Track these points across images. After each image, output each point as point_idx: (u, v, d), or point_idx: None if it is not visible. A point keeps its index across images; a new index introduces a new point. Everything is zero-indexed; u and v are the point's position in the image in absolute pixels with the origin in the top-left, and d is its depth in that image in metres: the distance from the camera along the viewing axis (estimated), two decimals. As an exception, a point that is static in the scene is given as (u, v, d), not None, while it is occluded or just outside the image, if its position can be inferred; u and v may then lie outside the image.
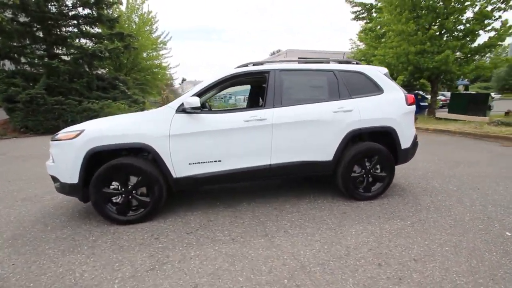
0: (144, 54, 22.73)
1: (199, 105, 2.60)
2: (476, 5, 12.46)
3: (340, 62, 3.32)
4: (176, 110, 2.71)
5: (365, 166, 3.14)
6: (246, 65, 3.05)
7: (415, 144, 3.37)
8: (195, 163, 2.74)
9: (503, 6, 11.99)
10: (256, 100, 4.34)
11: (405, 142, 3.22)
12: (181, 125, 2.67)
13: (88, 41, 15.10)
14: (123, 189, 2.67)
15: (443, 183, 3.84)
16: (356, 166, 3.12)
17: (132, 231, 2.56)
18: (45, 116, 11.63)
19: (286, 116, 2.86)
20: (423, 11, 13.02)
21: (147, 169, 2.62)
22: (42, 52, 13.27)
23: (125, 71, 22.37)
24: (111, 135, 2.58)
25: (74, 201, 3.35)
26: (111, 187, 2.69)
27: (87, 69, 14.26)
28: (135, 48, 18.64)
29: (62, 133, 2.71)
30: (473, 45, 12.94)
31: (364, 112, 3.03)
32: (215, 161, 2.77)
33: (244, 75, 2.96)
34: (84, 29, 14.38)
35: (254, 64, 3.08)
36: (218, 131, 2.72)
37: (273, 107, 2.87)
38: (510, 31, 12.03)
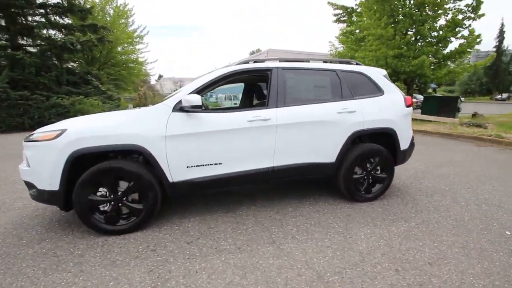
0: (119, 48, 21.62)
1: (201, 103, 2.38)
2: (448, 13, 13.24)
3: (341, 62, 3.25)
4: (173, 109, 2.47)
5: (366, 167, 3.10)
6: (246, 62, 2.87)
7: (412, 145, 3.39)
8: (194, 166, 2.52)
9: (472, 15, 12.84)
10: (250, 99, 4.17)
11: (403, 143, 3.23)
12: (179, 125, 2.44)
13: (57, 32, 13.99)
14: (112, 196, 2.39)
15: (434, 183, 3.92)
16: (357, 167, 3.07)
17: (124, 243, 2.29)
18: (8, 112, 10.58)
19: (290, 117, 2.72)
20: (401, 17, 13.63)
21: (140, 173, 2.37)
22: (4, 42, 12.07)
23: (98, 66, 21.13)
24: (99, 136, 2.28)
25: (51, 209, 2.98)
26: (98, 193, 2.39)
27: (56, 62, 13.20)
28: (110, 41, 17.63)
29: (39, 133, 2.36)
30: (445, 51, 13.74)
31: (367, 113, 2.98)
32: (215, 164, 2.57)
33: (246, 72, 2.78)
34: (53, 19, 13.29)
35: (255, 61, 2.91)
36: (220, 131, 2.52)
37: (277, 107, 2.72)
38: (478, 40, 12.90)
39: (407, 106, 3.26)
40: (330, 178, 3.14)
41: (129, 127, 2.36)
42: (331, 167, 2.96)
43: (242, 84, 4.25)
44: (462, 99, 16.74)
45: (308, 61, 3.12)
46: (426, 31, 13.25)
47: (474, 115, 14.50)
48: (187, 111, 2.45)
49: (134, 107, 19.33)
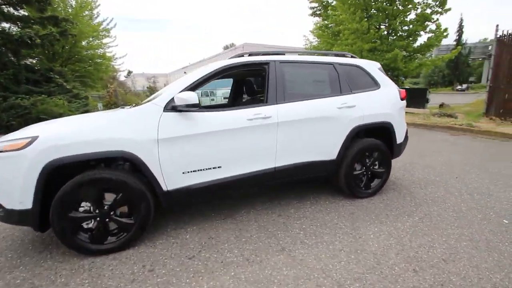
0: (84, 43, 20.11)
1: (197, 101, 2.14)
2: (418, 8, 13.79)
3: (336, 55, 3.14)
4: (164, 108, 2.20)
5: (365, 163, 3.04)
6: (241, 55, 2.65)
7: (406, 138, 3.40)
8: (191, 172, 2.28)
9: (440, 10, 13.48)
10: (239, 96, 3.95)
11: (399, 137, 3.22)
12: (172, 126, 2.18)
13: (12, 25, 12.62)
14: (97, 211, 2.09)
15: (424, 174, 4.00)
16: (356, 163, 3.00)
17: (116, 264, 2.02)
18: (-44, 116, 9.38)
19: (291, 114, 2.56)
20: (374, 11, 13.98)
21: (129, 182, 2.08)
22: None
23: (61, 62, 19.51)
24: (79, 142, 1.96)
25: (21, 229, 2.59)
26: (81, 209, 2.08)
27: (12, 58, 11.94)
28: (73, 35, 16.28)
29: (3, 142, 1.98)
30: (415, 45, 14.35)
31: (366, 107, 2.91)
32: (214, 168, 2.35)
33: (242, 66, 2.56)
34: (6, 10, 11.95)
35: (250, 54, 2.70)
36: (218, 132, 2.30)
37: (276, 103, 2.55)
38: (445, 33, 13.61)
39: (402, 99, 3.24)
40: (329, 177, 3.04)
41: (113, 130, 2.06)
42: (333, 164, 2.86)
43: (222, 79, 4.00)
44: (430, 91, 17.69)
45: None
46: (398, 25, 13.72)
47: (441, 105, 15.39)
48: (180, 111, 2.19)
49: (103, 105, 18.18)
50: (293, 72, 2.73)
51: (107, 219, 2.12)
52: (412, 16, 14.04)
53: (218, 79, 2.56)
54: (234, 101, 3.89)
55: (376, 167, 3.14)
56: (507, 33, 8.76)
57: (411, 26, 13.87)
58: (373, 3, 13.52)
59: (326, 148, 2.79)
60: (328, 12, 16.37)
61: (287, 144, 2.58)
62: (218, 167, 2.36)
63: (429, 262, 1.95)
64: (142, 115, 2.17)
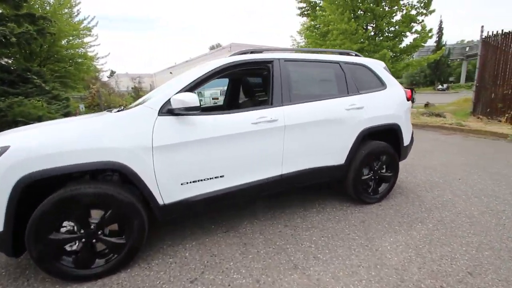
0: (64, 42, 19.21)
1: (198, 104, 1.89)
2: (403, 9, 14.02)
3: (340, 53, 2.97)
4: (159, 112, 1.94)
5: (373, 167, 2.89)
6: (244, 53, 2.42)
7: (412, 140, 3.28)
8: (190, 182, 2.03)
9: (424, 11, 13.76)
10: (235, 97, 3.71)
11: (406, 139, 3.09)
12: (168, 132, 1.92)
13: (-17, 21, 11.78)
14: (82, 231, 1.80)
15: (427, 176, 3.91)
16: (364, 167, 2.84)
17: (106, 292, 1.74)
18: None
19: (298, 116, 2.36)
20: (360, 12, 14.11)
21: (120, 197, 1.81)
22: None
23: (39, 61, 18.56)
24: (59, 153, 1.67)
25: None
26: (63, 229, 1.79)
27: (-16, 57, 11.15)
28: (52, 33, 15.49)
29: None
30: (401, 46, 14.58)
31: (374, 109, 2.75)
32: (216, 178, 2.11)
33: (243, 64, 2.33)
34: (-24, 5, 11.16)
35: (252, 52, 2.47)
36: (220, 138, 2.06)
37: (282, 105, 2.34)
38: (430, 34, 13.90)
39: (408, 100, 3.11)
40: (335, 182, 2.87)
41: (100, 138, 1.78)
42: (341, 169, 2.69)
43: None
44: (415, 90, 18.08)
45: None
46: (385, 26, 13.89)
47: (427, 105, 15.74)
48: (178, 114, 1.94)
49: (86, 107, 17.39)
50: (298, 71, 2.53)
51: (94, 240, 1.84)
52: (398, 17, 14.33)
53: (218, 78, 2.32)
54: (231, 103, 3.65)
55: (384, 171, 2.99)
56: (492, 34, 8.97)
57: (397, 27, 14.10)
58: (361, 4, 13.63)
59: (334, 152, 2.61)
60: (316, 12, 16.37)
61: (295, 149, 2.38)
62: (221, 177, 2.12)
63: (455, 277, 1.80)
64: (134, 119, 1.90)
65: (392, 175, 3.01)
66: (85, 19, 20.08)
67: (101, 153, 1.74)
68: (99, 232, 1.84)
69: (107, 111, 2.32)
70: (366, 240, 2.26)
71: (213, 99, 18.42)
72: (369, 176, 2.89)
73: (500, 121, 8.59)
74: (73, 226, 1.81)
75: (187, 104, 1.85)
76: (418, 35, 14.07)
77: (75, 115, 16.07)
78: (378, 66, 3.04)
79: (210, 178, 2.09)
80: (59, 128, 1.89)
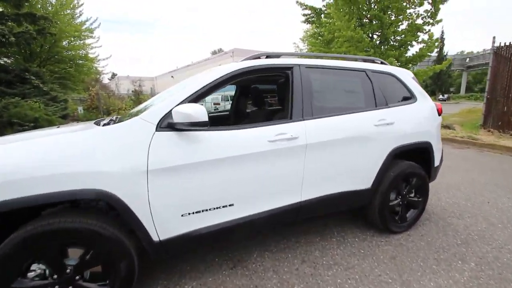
0: (65, 43, 18.99)
1: (206, 118, 1.52)
2: (410, 18, 13.83)
3: (364, 60, 2.62)
4: (158, 127, 1.57)
5: (402, 191, 2.52)
6: (258, 58, 2.07)
7: (441, 160, 2.91)
8: (193, 213, 1.66)
9: (431, 21, 13.57)
10: (242, 107, 3.36)
11: (437, 159, 2.73)
12: (168, 151, 1.55)
13: (-19, 20, 11.54)
14: (56, 276, 1.42)
15: (451, 197, 3.54)
16: (392, 191, 2.47)
17: None
18: None
19: (322, 133, 2.00)
20: (366, 20, 13.94)
21: (104, 233, 1.44)
22: None
23: (38, 62, 18.32)
24: (26, 179, 1.30)
25: None
26: (31, 274, 1.41)
27: (-19, 56, 10.86)
28: (52, 34, 15.30)
29: None
30: (407, 55, 14.35)
31: (405, 125, 2.40)
32: (224, 207, 1.74)
33: (258, 70, 1.98)
34: (-26, 3, 10.91)
35: (268, 56, 2.12)
36: (231, 159, 1.69)
37: (303, 119, 1.97)
38: (437, 43, 13.69)
39: (439, 115, 2.76)
40: (358, 209, 2.49)
41: (80, 159, 1.40)
42: (367, 194, 2.32)
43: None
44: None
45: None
46: (391, 35, 13.68)
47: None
48: (181, 130, 1.57)
49: (84, 109, 17.05)
50: (321, 80, 2.18)
51: (70, 287, 1.45)
52: (404, 26, 14.14)
53: (230, 84, 1.96)
54: (238, 113, 3.29)
55: (412, 195, 2.62)
56: (505, 45, 8.71)
57: (403, 36, 13.89)
58: (368, 12, 13.44)
59: (361, 174, 2.24)
60: (322, 19, 16.19)
61: (317, 171, 2.01)
62: (230, 205, 1.75)
63: None
64: (125, 135, 1.53)
65: (422, 200, 2.65)
66: (87, 20, 19.93)
67: (81, 180, 1.37)
68: (77, 277, 1.46)
69: (95, 122, 1.94)
70: (401, 284, 1.88)
71: (214, 104, 18.06)
72: (397, 201, 2.52)
73: (512, 135, 8.27)
74: (45, 270, 1.43)
75: (192, 119, 1.49)
76: (425, 45, 13.88)
77: (73, 117, 15.73)
78: (406, 75, 2.70)
79: (218, 208, 1.71)
80: (27, 146, 1.50)
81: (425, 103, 2.65)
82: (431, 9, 13.46)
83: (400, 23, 13.99)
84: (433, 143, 2.62)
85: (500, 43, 8.90)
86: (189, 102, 1.67)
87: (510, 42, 8.58)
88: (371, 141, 2.21)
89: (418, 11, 13.83)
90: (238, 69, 1.88)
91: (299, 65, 2.08)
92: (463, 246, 2.39)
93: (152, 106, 1.69)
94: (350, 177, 2.19)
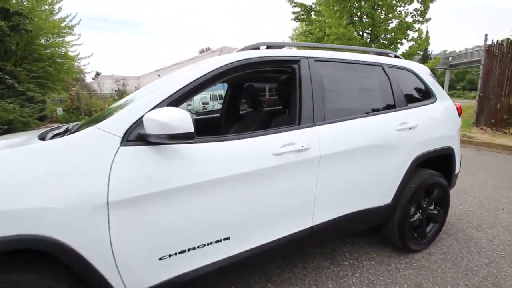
0: (43, 40, 17.93)
1: (192, 129, 1.11)
2: (400, 16, 13.76)
3: (378, 53, 2.26)
4: (123, 140, 1.15)
5: (422, 204, 2.19)
6: (257, 48, 1.66)
7: (460, 165, 2.61)
8: (176, 254, 1.24)
9: (421, 19, 13.55)
10: (235, 108, 2.96)
11: (457, 166, 2.42)
12: (139, 174, 1.13)
13: None
14: None
15: (463, 203, 3.27)
16: (412, 205, 2.14)
17: None
18: None
19: (337, 141, 1.63)
20: (356, 18, 13.79)
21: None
22: None
23: (14, 60, 17.19)
24: None
25: None
26: None
27: None
28: (29, 30, 14.38)
29: None
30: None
31: (427, 129, 2.06)
32: (218, 241, 1.33)
33: (257, 64, 1.57)
34: None
35: (269, 47, 1.71)
36: (226, 180, 1.28)
37: (315, 125, 1.59)
38: (426, 42, 13.69)
39: (459, 116, 2.45)
40: (375, 227, 2.14)
41: (4, 191, 0.96)
42: (386, 211, 1.97)
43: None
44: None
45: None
46: (382, 32, 13.57)
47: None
48: (157, 144, 1.15)
49: (64, 110, 16.12)
50: (334, 76, 1.81)
51: None
52: (394, 24, 14.07)
53: (220, 82, 1.55)
54: (230, 116, 2.88)
55: (432, 207, 2.29)
56: (497, 43, 8.66)
57: (393, 34, 13.81)
58: (358, 9, 13.28)
59: (382, 188, 1.89)
60: (312, 17, 15.91)
61: (331, 188, 1.64)
62: (225, 239, 1.34)
63: None
64: (74, 154, 1.08)
65: (443, 212, 2.33)
66: (67, 17, 18.90)
67: (7, 221, 0.93)
68: None
69: (40, 135, 1.45)
70: (437, 325, 1.53)
71: (202, 103, 17.44)
72: (417, 216, 2.18)
73: (505, 132, 8.22)
74: None
75: (171, 129, 1.07)
76: (414, 43, 13.85)
77: (51, 119, 14.81)
78: (424, 71, 2.37)
79: (209, 244, 1.31)
80: None
81: (445, 103, 2.33)
82: (420, 7, 13.45)
83: (390, 21, 13.94)
84: (455, 148, 2.30)
85: (493, 40, 8.85)
86: (169, 104, 1.25)
87: (502, 40, 8.53)
88: (393, 149, 1.85)
89: (408, 9, 13.83)
90: (233, 62, 1.47)
91: (307, 57, 1.69)
92: (492, 266, 2.08)
93: (117, 112, 1.25)
94: (369, 192, 1.83)
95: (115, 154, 1.11)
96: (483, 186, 3.90)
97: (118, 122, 1.17)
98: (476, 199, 3.43)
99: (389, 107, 1.97)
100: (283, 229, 1.52)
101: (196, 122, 1.73)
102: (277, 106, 2.94)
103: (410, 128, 1.94)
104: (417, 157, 1.98)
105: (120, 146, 1.13)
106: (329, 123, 1.64)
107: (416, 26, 13.61)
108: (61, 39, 18.68)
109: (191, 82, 1.34)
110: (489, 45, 8.90)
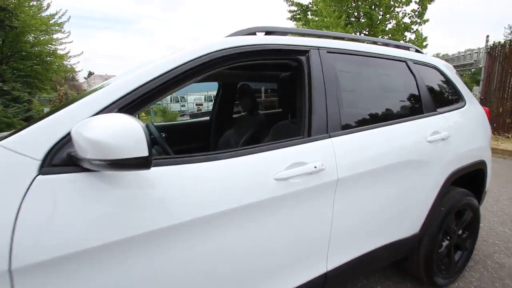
0: (30, 38, 17.29)
1: (146, 151, 0.69)
2: (398, 17, 13.56)
3: (397, 46, 1.87)
4: (44, 164, 0.73)
5: (452, 230, 1.81)
6: (253, 33, 1.26)
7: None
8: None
9: (418, 20, 13.36)
10: (227, 112, 2.56)
11: (487, 181, 2.05)
12: (66, 219, 0.72)
13: None
14: None
15: (484, 221, 2.88)
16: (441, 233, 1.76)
17: None
18: None
19: (360, 158, 1.23)
20: (353, 19, 13.56)
21: None
22: None
23: (0, 58, 16.51)
24: None
25: None
26: None
27: None
28: (14, 27, 13.79)
29: None
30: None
31: (461, 139, 1.70)
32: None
33: (253, 53, 1.16)
34: None
35: (268, 33, 1.31)
36: (208, 219, 0.88)
37: (329, 136, 1.19)
38: (424, 43, 13.49)
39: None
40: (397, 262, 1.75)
41: None
42: (412, 243, 1.58)
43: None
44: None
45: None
46: (380, 33, 13.34)
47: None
48: (90, 170, 0.74)
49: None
50: (352, 73, 1.42)
51: None
52: (391, 25, 13.87)
53: (203, 81, 1.14)
54: (221, 120, 2.47)
55: (460, 232, 1.92)
56: (499, 44, 8.44)
57: (390, 35, 13.59)
58: (356, 9, 13.05)
59: (411, 216, 1.50)
60: (309, 17, 15.61)
61: (350, 221, 1.24)
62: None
63: None
64: None
65: (473, 238, 1.96)
66: (56, 13, 18.27)
67: None
68: None
69: None
70: None
71: (196, 105, 16.95)
72: (446, 244, 1.80)
73: (508, 137, 7.99)
74: None
75: (110, 151, 0.65)
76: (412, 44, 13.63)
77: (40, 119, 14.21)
78: (450, 69, 2.00)
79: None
80: None
81: (475, 107, 1.96)
82: (418, 8, 13.27)
83: (388, 22, 13.75)
84: (488, 162, 1.93)
85: (494, 42, 8.63)
86: (122, 109, 0.84)
87: (504, 41, 8.32)
88: (425, 166, 1.47)
89: (405, 10, 13.65)
90: (219, 50, 1.06)
91: (318, 47, 1.29)
92: (537, 306, 1.71)
93: (33, 125, 0.82)
94: (397, 222, 1.44)
95: (28, 188, 0.69)
96: (498, 199, 3.57)
97: (37, 137, 0.75)
98: (495, 214, 3.09)
99: (416, 112, 1.59)
100: (287, 281, 1.11)
101: (183, 128, 1.32)
102: (280, 109, 2.54)
103: (443, 139, 1.56)
104: (451, 175, 1.60)
105: (38, 174, 0.71)
106: (348, 133, 1.24)
107: (414, 27, 13.43)
108: (49, 36, 18.05)
109: (158, 77, 0.93)
110: (491, 47, 8.68)
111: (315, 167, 1.06)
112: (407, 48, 1.91)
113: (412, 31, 13.55)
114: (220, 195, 0.90)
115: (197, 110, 15.23)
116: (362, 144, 1.26)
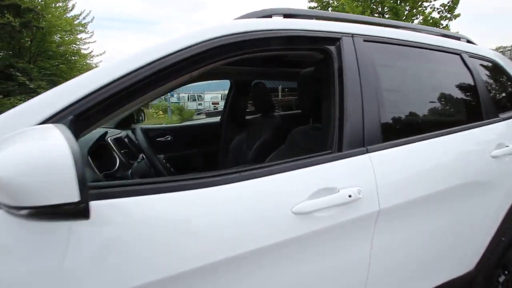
0: (56, 38, 18.03)
1: (77, 195, 0.43)
2: (425, 12, 12.81)
3: (445, 35, 1.52)
4: None
5: (509, 264, 1.45)
6: (269, 16, 0.99)
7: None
8: None
9: (448, 15, 12.52)
10: (239, 112, 2.30)
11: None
12: None
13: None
14: None
15: None
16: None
17: None
18: None
19: (407, 182, 0.93)
20: (377, 14, 12.96)
21: None
22: None
23: (28, 57, 17.32)
24: None
25: None
26: None
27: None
28: (40, 27, 14.37)
29: None
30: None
31: None
32: None
33: (268, 41, 0.89)
34: None
35: (287, 15, 1.03)
36: (197, 273, 0.62)
37: (366, 151, 0.90)
38: (454, 38, 12.66)
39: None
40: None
41: None
42: (464, 283, 1.24)
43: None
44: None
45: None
46: (406, 29, 12.72)
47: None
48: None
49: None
50: (393, 67, 1.11)
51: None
52: (419, 20, 13.11)
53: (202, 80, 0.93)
54: (232, 122, 2.22)
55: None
56: None
57: (418, 31, 12.87)
58: (380, 3, 12.47)
59: (465, 251, 1.17)
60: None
61: (392, 262, 0.95)
62: None
63: None
64: None
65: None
66: (80, 14, 18.95)
67: None
68: None
69: None
70: None
71: (212, 103, 16.91)
72: (502, 280, 1.45)
73: None
74: None
75: (24, 196, 0.40)
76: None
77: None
78: (509, 65, 1.62)
79: None
80: None
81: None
82: (449, 2, 12.43)
83: (414, 18, 13.03)
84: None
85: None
86: (81, 116, 0.60)
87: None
88: (488, 189, 1.13)
89: (434, 4, 12.88)
90: (225, 36, 0.79)
91: (352, 34, 0.99)
92: None
93: None
94: (448, 259, 1.12)
95: None
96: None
97: None
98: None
99: (475, 118, 1.25)
100: None
101: (191, 130, 1.07)
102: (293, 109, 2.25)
103: (510, 154, 1.21)
104: (518, 199, 1.24)
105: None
106: (390, 146, 0.94)
107: (444, 22, 12.59)
108: (73, 36, 18.75)
109: (139, 68, 0.68)
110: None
111: (350, 195, 0.77)
112: (458, 38, 1.56)
113: (441, 27, 12.72)
114: (220, 238, 0.64)
115: (213, 109, 15.21)
116: (410, 162, 0.95)
